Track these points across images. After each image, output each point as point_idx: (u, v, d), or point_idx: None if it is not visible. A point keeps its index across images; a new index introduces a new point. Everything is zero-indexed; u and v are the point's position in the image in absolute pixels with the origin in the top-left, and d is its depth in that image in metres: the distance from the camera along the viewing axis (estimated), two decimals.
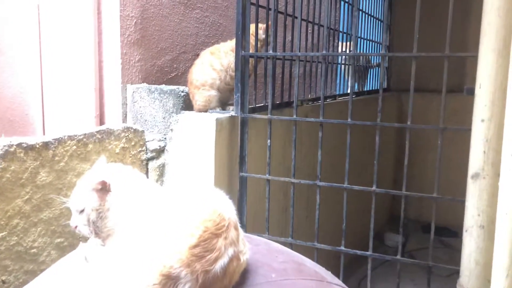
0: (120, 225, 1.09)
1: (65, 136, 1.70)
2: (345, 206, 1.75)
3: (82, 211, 1.20)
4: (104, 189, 1.16)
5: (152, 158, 2.06)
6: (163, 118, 2.30)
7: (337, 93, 3.47)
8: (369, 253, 1.73)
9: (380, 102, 1.70)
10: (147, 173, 2.06)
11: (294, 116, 1.81)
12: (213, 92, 2.05)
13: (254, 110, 1.99)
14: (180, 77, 2.77)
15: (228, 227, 0.97)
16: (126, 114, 2.46)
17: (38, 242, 1.65)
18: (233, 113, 1.95)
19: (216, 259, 0.92)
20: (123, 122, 2.35)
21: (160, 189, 1.16)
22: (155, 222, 0.98)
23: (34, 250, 1.64)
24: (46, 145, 1.63)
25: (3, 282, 1.56)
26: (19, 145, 1.55)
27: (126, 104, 2.45)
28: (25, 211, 1.60)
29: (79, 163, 1.76)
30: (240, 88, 1.88)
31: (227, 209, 1.01)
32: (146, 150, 2.04)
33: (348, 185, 1.72)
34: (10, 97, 2.86)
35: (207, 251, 0.91)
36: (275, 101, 2.19)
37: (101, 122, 2.49)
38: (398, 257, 1.69)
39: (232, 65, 2.00)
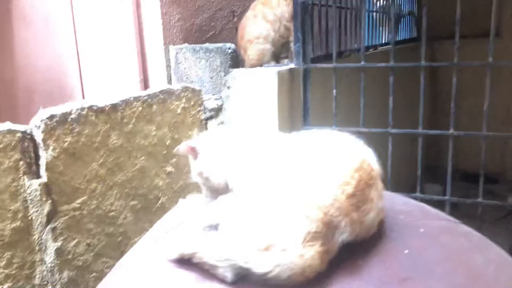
0: (238, 180, 1.06)
1: (130, 97, 1.66)
2: (420, 152, 1.71)
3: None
4: (194, 153, 1.15)
5: (210, 117, 2.02)
6: (210, 78, 2.24)
7: (371, 43, 3.37)
8: (447, 197, 1.70)
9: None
10: None
11: (362, 63, 1.74)
12: (267, 46, 1.99)
13: (312, 61, 1.93)
14: (218, 36, 2.69)
15: (376, 178, 0.94)
16: (170, 77, 2.40)
17: (115, 206, 1.65)
18: (292, 65, 1.89)
19: (369, 210, 0.88)
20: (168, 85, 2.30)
21: (283, 140, 1.11)
22: (295, 171, 0.94)
23: (113, 213, 1.64)
24: (114, 107, 1.60)
25: (88, 245, 1.57)
26: (90, 108, 1.52)
27: (170, 66, 2.39)
28: (101, 174, 1.59)
29: (145, 124, 1.73)
30: (300, 37, 1.81)
31: (373, 159, 0.97)
32: (204, 109, 2.00)
33: (423, 130, 1.68)
34: (45, 67, 2.81)
35: (361, 201, 0.88)
36: (327, 51, 2.12)
37: (146, 86, 2.45)
38: (480, 199, 1.67)
39: (286, 15, 1.92)
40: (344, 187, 0.87)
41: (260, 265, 0.80)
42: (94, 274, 1.61)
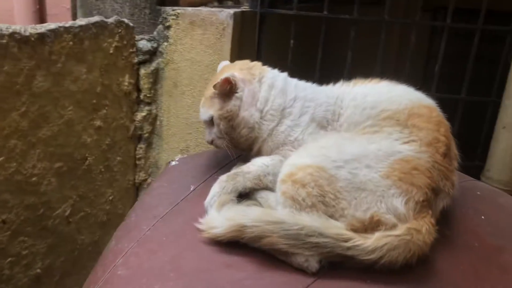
0: (295, 131, 0.85)
1: (61, 27, 1.26)
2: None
3: (210, 121, 0.91)
4: (229, 90, 0.88)
5: (144, 62, 1.69)
6: (131, 15, 1.86)
7: None
8: None
9: None
10: (137, 80, 1.70)
11: (325, 12, 1.62)
12: None
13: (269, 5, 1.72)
14: None
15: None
16: (76, 11, 1.94)
17: (38, 168, 1.27)
18: (246, 7, 1.67)
19: (455, 169, 0.79)
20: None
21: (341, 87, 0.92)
22: (371, 126, 0.78)
23: (35, 178, 1.26)
24: (42, 38, 1.19)
25: (4, 222, 1.18)
26: (11, 36, 1.09)
27: None
28: (22, 128, 1.19)
29: (76, 65, 1.34)
30: None
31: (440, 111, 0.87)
32: (137, 51, 1.66)
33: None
34: None
35: (453, 160, 0.77)
36: None
37: (41, 19, 1.93)
38: None
39: None
40: (437, 145, 0.76)
41: (369, 250, 0.64)
42: (9, 259, 1.24)
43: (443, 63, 1.70)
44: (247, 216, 0.69)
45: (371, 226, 0.67)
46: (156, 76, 1.72)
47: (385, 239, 0.65)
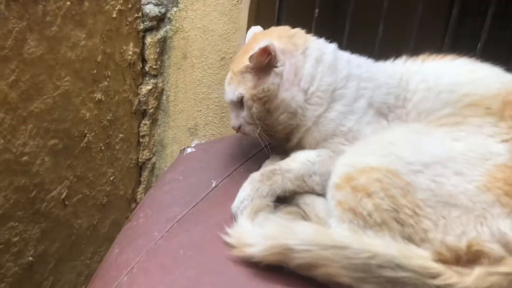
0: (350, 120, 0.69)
1: None
2: None
3: (239, 102, 0.74)
4: (268, 63, 0.71)
5: (150, 29, 1.51)
6: None
7: None
8: None
9: None
10: (143, 50, 1.53)
11: None
12: None
13: None
14: None
15: None
16: None
17: (29, 146, 1.11)
18: None
19: None
20: None
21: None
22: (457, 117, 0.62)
23: (26, 157, 1.11)
24: None
25: None
26: None
27: None
28: (11, 100, 1.03)
29: (74, 29, 1.17)
30: None
31: None
32: (143, 17, 1.49)
33: None
34: None
35: None
36: None
37: None
38: None
39: None
40: None
41: (469, 284, 0.48)
42: None
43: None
44: (294, 235, 0.52)
45: (467, 257, 0.50)
46: (163, 45, 1.55)
47: (490, 278, 0.49)
